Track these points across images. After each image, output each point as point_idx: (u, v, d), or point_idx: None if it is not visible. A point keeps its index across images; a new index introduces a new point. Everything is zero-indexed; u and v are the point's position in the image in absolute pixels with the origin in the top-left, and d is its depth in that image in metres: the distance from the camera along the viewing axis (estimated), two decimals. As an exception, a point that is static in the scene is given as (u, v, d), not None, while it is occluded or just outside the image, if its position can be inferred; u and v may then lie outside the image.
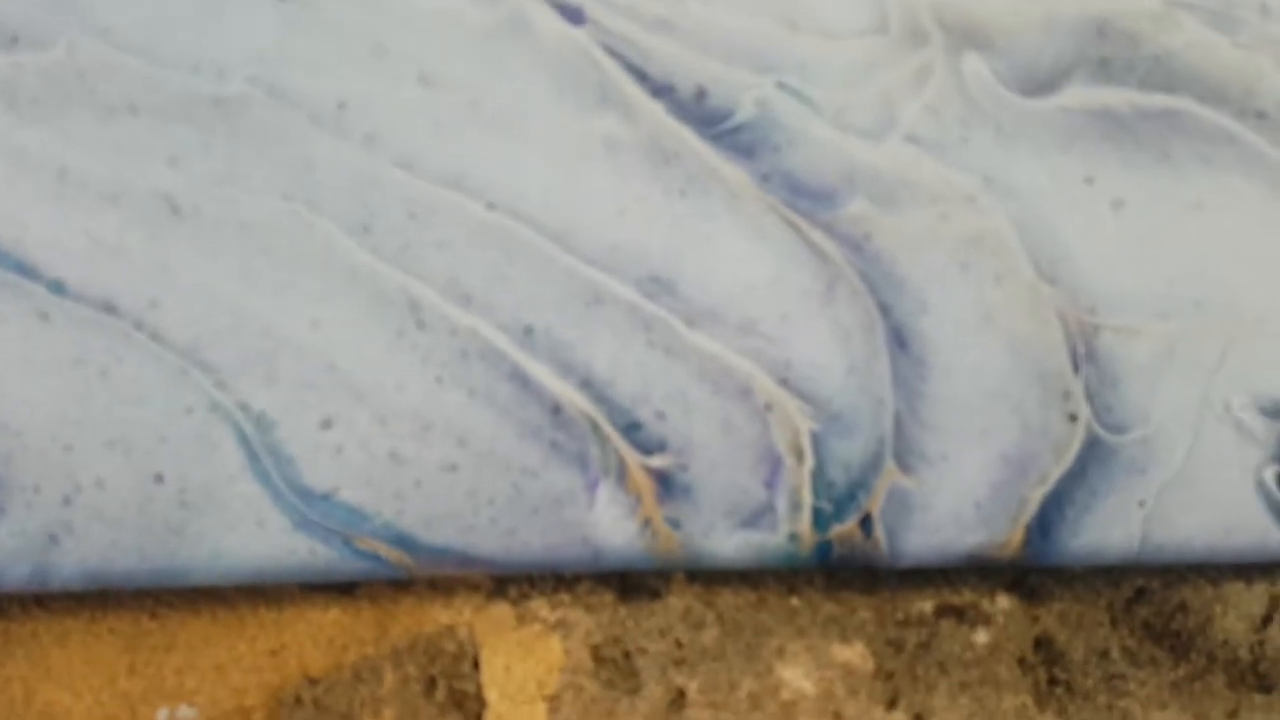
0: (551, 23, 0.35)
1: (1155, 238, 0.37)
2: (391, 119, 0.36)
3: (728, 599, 0.39)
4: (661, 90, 0.36)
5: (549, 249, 0.37)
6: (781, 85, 0.36)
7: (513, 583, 0.40)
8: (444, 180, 0.36)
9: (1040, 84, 0.36)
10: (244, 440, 0.37)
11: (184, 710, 0.39)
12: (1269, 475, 0.38)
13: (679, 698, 0.39)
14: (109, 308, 0.36)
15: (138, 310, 0.36)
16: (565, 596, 0.39)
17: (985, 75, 0.36)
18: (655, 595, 0.39)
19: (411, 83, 0.35)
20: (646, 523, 0.39)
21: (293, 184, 0.36)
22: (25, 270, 0.36)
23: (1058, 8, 0.35)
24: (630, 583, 0.40)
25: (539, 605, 0.39)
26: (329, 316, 0.37)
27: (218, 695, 0.37)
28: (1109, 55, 0.36)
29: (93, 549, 0.38)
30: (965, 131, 0.36)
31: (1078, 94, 0.36)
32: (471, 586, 0.39)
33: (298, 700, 0.37)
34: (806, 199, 0.36)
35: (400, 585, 0.40)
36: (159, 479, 0.38)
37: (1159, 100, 0.36)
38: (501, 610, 0.39)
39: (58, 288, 0.36)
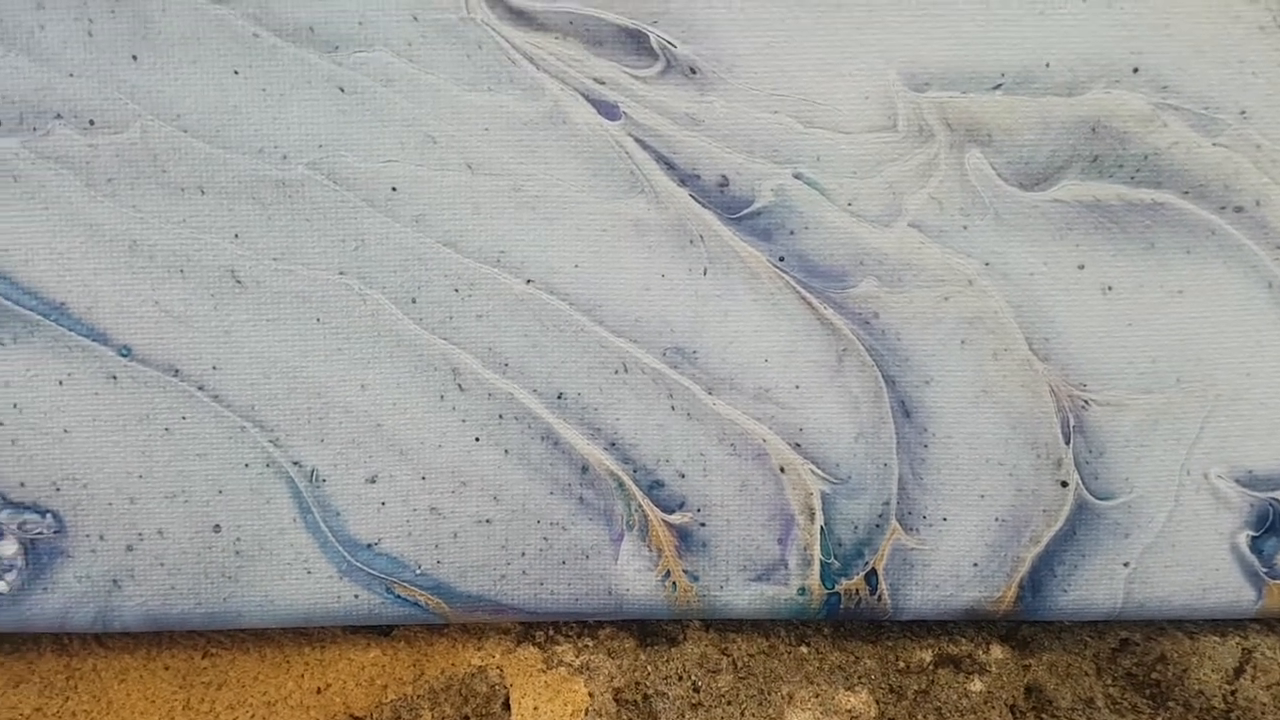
0: (588, 116, 0.37)
1: (1141, 320, 0.38)
2: (439, 201, 0.37)
3: (741, 647, 0.40)
4: (688, 179, 0.38)
5: (580, 321, 0.39)
6: (798, 175, 0.37)
7: (539, 628, 0.41)
8: (485, 258, 0.38)
9: (1036, 178, 0.37)
10: (296, 494, 0.39)
11: (232, 743, 0.40)
12: (1242, 540, 0.40)
13: (693, 737, 0.41)
14: (174, 370, 0.38)
15: (200, 373, 0.38)
16: (589, 642, 0.41)
17: (986, 169, 0.37)
18: (673, 642, 0.41)
19: (458, 169, 0.37)
20: (666, 575, 0.40)
21: (347, 259, 0.38)
22: (97, 335, 0.38)
23: (1053, 109, 0.37)
24: (649, 629, 0.41)
25: (565, 650, 0.41)
26: (376, 380, 0.38)
27: (267, 731, 0.39)
28: (1100, 153, 0.37)
29: (153, 593, 0.39)
30: (966, 220, 0.38)
31: (1071, 187, 0.38)
32: (501, 631, 0.41)
33: (341, 737, 0.39)
34: (819, 278, 0.38)
35: (434, 629, 0.41)
36: (216, 529, 0.39)
37: (1146, 195, 0.38)
38: (529, 654, 0.41)
39: (126, 352, 0.38)
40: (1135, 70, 0.37)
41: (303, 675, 0.40)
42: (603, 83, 0.36)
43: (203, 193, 0.36)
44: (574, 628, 0.41)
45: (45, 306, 0.37)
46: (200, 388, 0.37)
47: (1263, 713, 0.40)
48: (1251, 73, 0.37)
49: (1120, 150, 0.37)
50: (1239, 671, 0.41)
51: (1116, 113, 0.37)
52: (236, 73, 0.35)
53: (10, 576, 0.39)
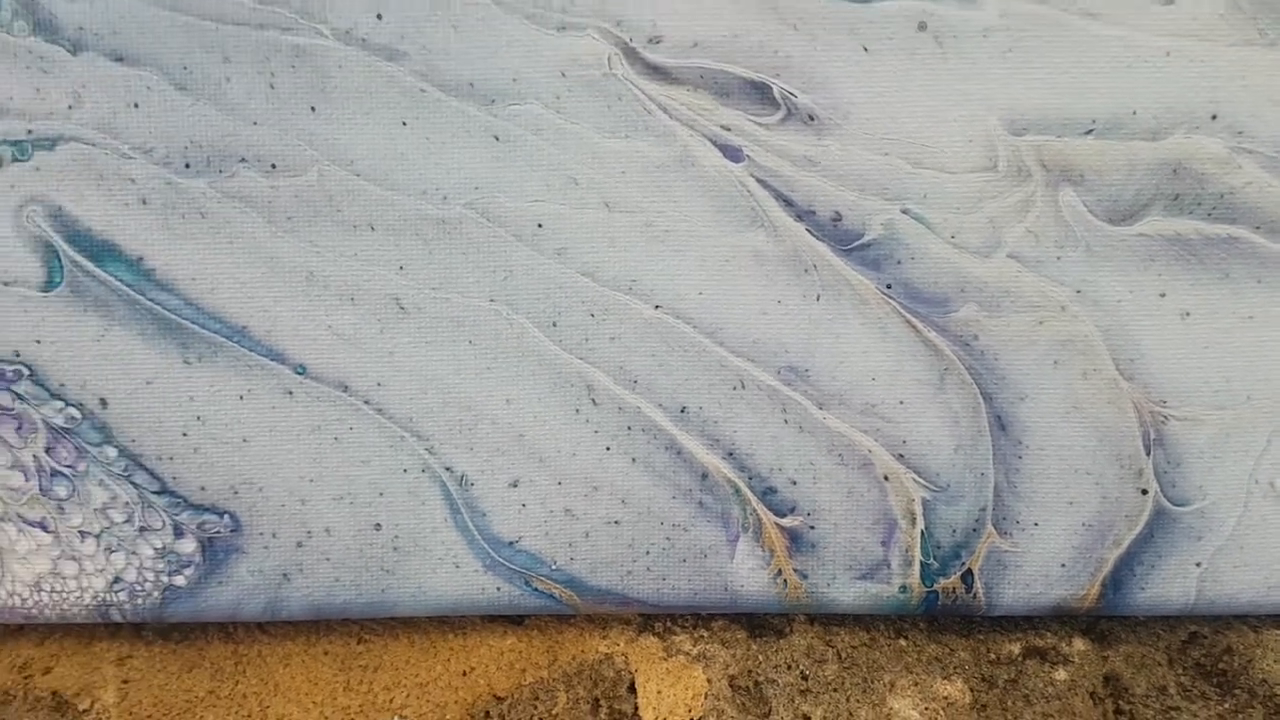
0: (714, 159, 0.40)
1: (1216, 343, 0.41)
2: (579, 236, 0.41)
3: (844, 639, 0.44)
4: (804, 214, 0.41)
5: (703, 342, 0.42)
6: (905, 211, 0.41)
7: (658, 619, 0.45)
8: (619, 286, 0.42)
9: (1123, 214, 0.41)
10: (447, 496, 0.43)
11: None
12: None
13: (799, 720, 0.44)
14: (343, 386, 0.42)
15: (366, 389, 0.42)
16: (704, 633, 0.44)
17: (1078, 206, 0.41)
18: (780, 634, 0.44)
19: (596, 207, 0.41)
20: (778, 573, 0.44)
21: (496, 288, 0.41)
22: (276, 355, 0.41)
23: (1139, 152, 0.40)
24: (757, 622, 0.45)
25: (682, 640, 0.44)
26: (520, 395, 0.42)
27: (422, 710, 0.42)
28: (1181, 191, 0.41)
29: (318, 585, 0.43)
30: (1060, 251, 0.41)
31: (1154, 223, 0.41)
32: (624, 621, 0.45)
33: (487, 715, 0.43)
34: (923, 304, 0.42)
35: (564, 619, 0.45)
36: (377, 527, 0.43)
37: (1222, 229, 0.41)
38: (650, 643, 0.44)
39: (302, 370, 0.42)
40: (1214, 117, 0.40)
41: (449, 659, 0.44)
42: (728, 129, 0.40)
43: (372, 229, 0.40)
44: (689, 619, 0.44)
45: (228, 330, 0.41)
46: (366, 401, 0.41)
47: None
48: None
49: (1199, 189, 0.41)
50: None
51: (1196, 155, 0.40)
52: (404, 123, 0.39)
53: (188, 572, 0.43)
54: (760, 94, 0.40)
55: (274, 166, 0.40)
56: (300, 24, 0.38)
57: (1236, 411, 0.42)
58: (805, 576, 0.43)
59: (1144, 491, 0.42)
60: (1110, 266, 0.41)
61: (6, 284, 0.40)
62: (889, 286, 0.41)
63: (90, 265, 0.40)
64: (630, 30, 0.39)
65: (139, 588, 0.42)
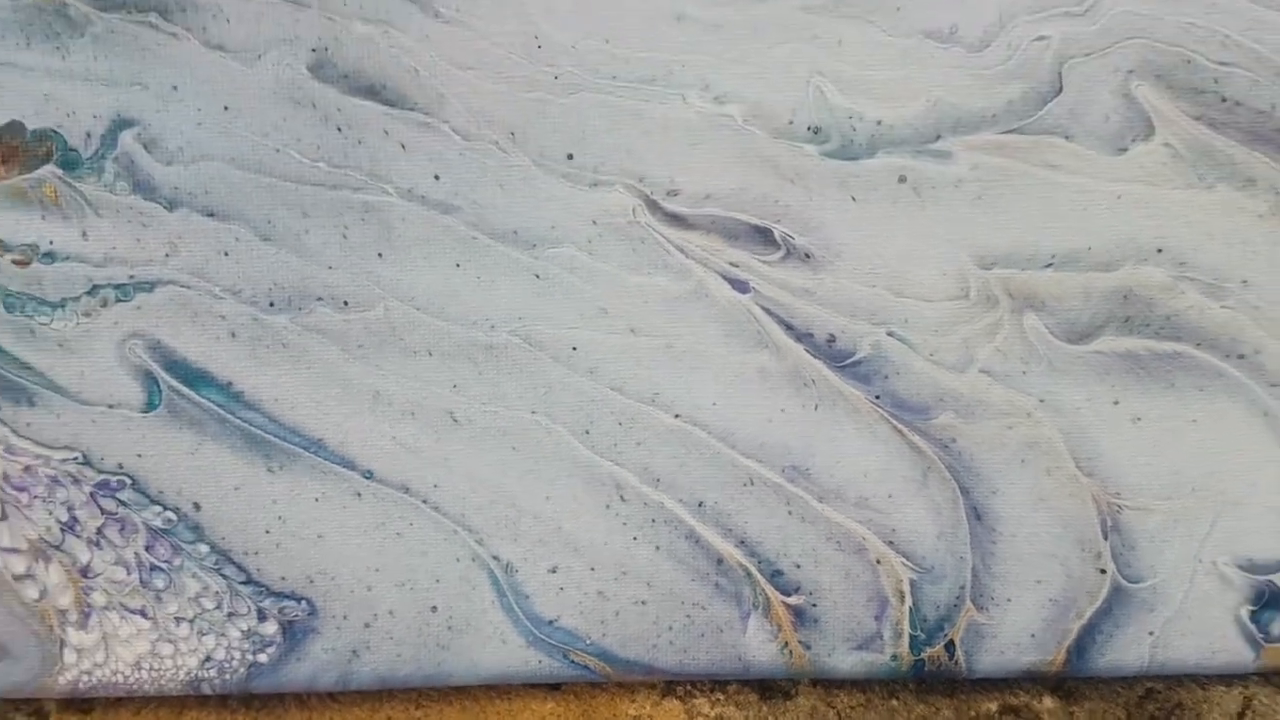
0: (725, 291, 0.46)
1: (1164, 443, 0.47)
2: (608, 357, 0.47)
3: (843, 700, 0.50)
4: (802, 336, 0.47)
5: (717, 446, 0.48)
6: (890, 333, 0.47)
7: (680, 685, 0.51)
8: (643, 399, 0.47)
9: (1080, 334, 0.47)
10: (495, 582, 0.49)
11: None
12: (1243, 612, 0.49)
13: (803, 770, 0.50)
14: (405, 488, 0.48)
15: (425, 490, 0.48)
16: (720, 696, 0.50)
17: (1040, 328, 0.47)
18: (788, 696, 0.50)
19: (623, 332, 0.47)
20: (785, 645, 0.49)
21: (537, 402, 0.47)
22: (346, 463, 0.47)
23: (1094, 282, 0.46)
24: (768, 686, 0.50)
25: (701, 703, 0.50)
26: (558, 493, 0.48)
27: (476, 770, 0.48)
28: (1131, 314, 0.46)
29: (383, 661, 0.49)
30: (1025, 367, 0.47)
31: (1108, 341, 0.47)
32: (649, 687, 0.50)
33: (532, 773, 0.48)
34: (907, 412, 0.47)
35: (597, 685, 0.51)
36: (434, 609, 0.49)
37: (1168, 346, 0.47)
38: (673, 705, 0.50)
39: (369, 474, 0.48)
40: (1159, 251, 0.46)
41: None
42: (736, 266, 0.46)
43: (430, 354, 0.46)
44: (707, 685, 0.50)
45: (306, 442, 0.46)
46: (424, 501, 0.47)
47: (1246, 711, 0.49)
48: (1252, 251, 0.46)
49: (1147, 312, 0.47)
50: (1241, 715, 0.50)
51: (1144, 284, 0.46)
52: (458, 265, 0.45)
53: (270, 650, 0.48)
54: (763, 236, 0.46)
55: (346, 303, 0.46)
56: (369, 184, 0.44)
57: (1182, 502, 0.48)
58: (809, 647, 0.49)
59: (1102, 571, 0.48)
60: (1069, 379, 0.47)
61: (111, 406, 0.46)
62: (877, 397, 0.47)
63: (185, 389, 0.45)
64: (651, 185, 0.45)
65: (227, 665, 0.48)
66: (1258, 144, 0.45)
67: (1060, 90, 0.44)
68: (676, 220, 0.45)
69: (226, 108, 0.43)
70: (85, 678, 0.48)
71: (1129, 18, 0.44)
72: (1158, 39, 0.44)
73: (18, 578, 0.47)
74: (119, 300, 0.45)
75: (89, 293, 0.45)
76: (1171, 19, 0.44)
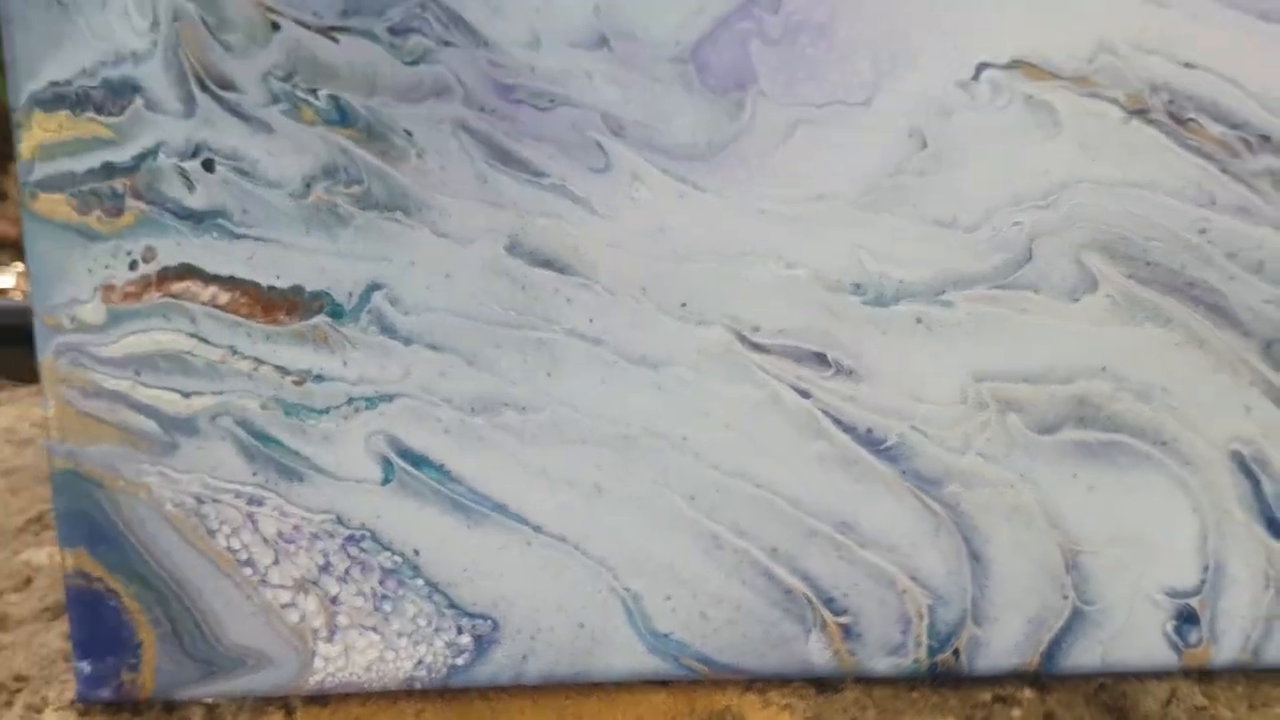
0: (793, 397, 0.63)
1: (1110, 505, 0.64)
2: (709, 445, 0.64)
3: (878, 692, 0.67)
4: (849, 429, 0.64)
5: (787, 508, 0.65)
6: (913, 428, 0.64)
7: (757, 682, 0.67)
8: (733, 474, 0.64)
9: (1048, 429, 0.63)
10: (626, 607, 0.65)
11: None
12: (1169, 627, 0.66)
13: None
14: (563, 539, 0.65)
15: (577, 540, 0.65)
16: (787, 690, 0.67)
17: (1019, 424, 0.64)
18: (837, 690, 0.67)
19: (720, 428, 0.64)
20: (836, 652, 0.66)
21: (658, 477, 0.64)
22: (521, 520, 0.64)
23: (1056, 392, 0.63)
24: (823, 683, 0.67)
25: (773, 695, 0.67)
26: (672, 543, 0.65)
27: (614, 742, 0.65)
28: (1084, 414, 0.63)
29: (546, 664, 0.66)
30: (1008, 452, 0.64)
31: (1068, 433, 0.63)
32: (735, 684, 0.67)
33: (654, 745, 0.65)
34: (926, 483, 0.64)
35: (696, 683, 0.68)
36: (581, 626, 0.66)
37: (1111, 436, 0.63)
38: (752, 698, 0.67)
39: (537, 529, 0.65)
40: (1103, 369, 0.63)
41: (625, 708, 0.66)
42: (801, 379, 0.63)
43: (583, 444, 0.63)
44: (778, 682, 0.67)
45: (493, 505, 0.63)
46: (576, 548, 0.64)
47: (1172, 699, 0.66)
48: (1170, 368, 0.63)
49: (1096, 413, 0.63)
50: (1168, 701, 0.67)
51: (1093, 393, 0.63)
52: (603, 381, 0.62)
53: (464, 656, 0.65)
54: (820, 359, 0.63)
55: (524, 409, 0.63)
56: (543, 325, 0.61)
57: (1124, 548, 0.65)
58: (854, 654, 0.66)
59: (1065, 598, 0.65)
60: (1041, 460, 0.64)
61: (358, 481, 0.63)
62: (903, 473, 0.64)
63: (411, 469, 0.63)
64: (741, 324, 0.62)
65: (433, 667, 0.65)
66: (1172, 293, 0.62)
67: (1030, 259, 0.61)
68: (758, 348, 0.63)
69: (448, 275, 0.60)
70: (329, 679, 0.65)
71: (1082, 208, 0.61)
72: (1102, 223, 0.61)
73: (283, 606, 0.64)
74: (367, 408, 0.62)
75: (346, 403, 0.62)
76: (1113, 209, 0.61)
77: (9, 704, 0.66)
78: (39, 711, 0.65)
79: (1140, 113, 0.59)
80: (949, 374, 0.61)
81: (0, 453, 0.82)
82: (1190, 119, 0.59)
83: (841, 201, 0.59)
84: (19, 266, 1.39)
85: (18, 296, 1.34)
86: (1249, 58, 0.59)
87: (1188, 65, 0.59)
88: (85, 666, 0.63)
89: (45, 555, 0.73)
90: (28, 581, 0.73)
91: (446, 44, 0.57)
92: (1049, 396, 0.61)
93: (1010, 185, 0.59)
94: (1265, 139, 0.60)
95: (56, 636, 0.70)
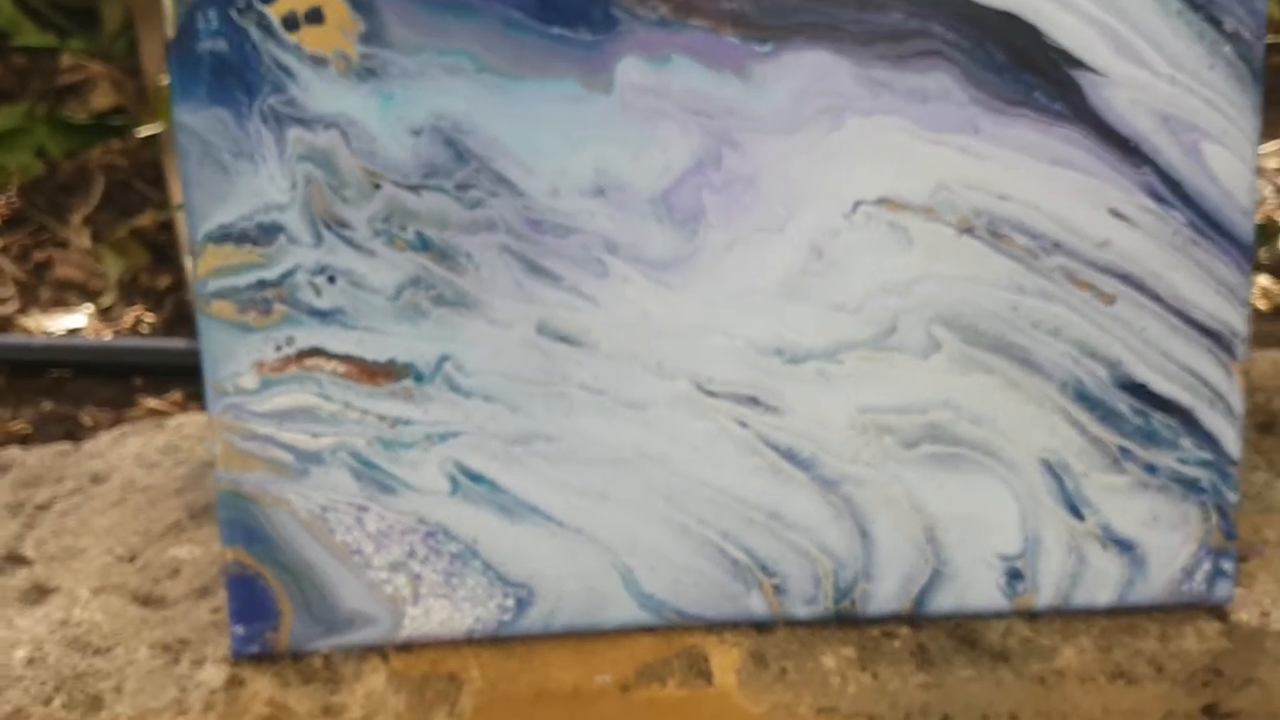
0: (736, 428, 0.89)
1: (958, 498, 0.91)
2: (681, 463, 0.89)
3: (801, 632, 0.92)
4: (775, 448, 0.89)
5: (733, 504, 0.90)
6: (819, 447, 0.89)
7: (716, 626, 0.93)
8: (696, 482, 0.90)
9: (911, 445, 0.89)
10: (623, 577, 0.91)
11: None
12: (1002, 582, 0.92)
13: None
14: (578, 530, 0.89)
15: (588, 529, 0.89)
16: (737, 631, 0.92)
17: (891, 443, 0.89)
18: (771, 631, 0.93)
19: (688, 450, 0.89)
20: (770, 604, 0.92)
21: (645, 486, 0.89)
22: (547, 517, 0.89)
23: (916, 419, 0.89)
24: (760, 625, 0.93)
25: (728, 635, 0.92)
26: (649, 530, 0.90)
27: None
28: (936, 435, 0.89)
29: (567, 619, 0.90)
30: (885, 461, 0.89)
31: (926, 448, 0.89)
32: (701, 628, 0.93)
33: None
34: (829, 485, 0.89)
35: (673, 628, 0.93)
36: (592, 590, 0.89)
37: (955, 450, 0.89)
38: (713, 638, 0.92)
39: (560, 524, 0.89)
40: (947, 403, 0.89)
41: (624, 648, 0.90)
42: (741, 415, 0.88)
43: (586, 463, 0.89)
44: (730, 626, 0.92)
45: (525, 507, 0.87)
46: (580, 533, 0.90)
47: (1008, 632, 0.92)
48: (993, 403, 0.89)
49: (943, 434, 0.89)
50: (1005, 634, 0.93)
51: (941, 421, 0.89)
52: (596, 420, 0.88)
53: (509, 614, 0.88)
54: (754, 401, 0.88)
55: (550, 440, 0.88)
56: (562, 382, 0.86)
57: (968, 527, 0.91)
58: (782, 605, 0.91)
59: (927, 561, 0.91)
60: (907, 467, 0.90)
61: (434, 492, 0.87)
62: (813, 478, 0.90)
63: (471, 483, 0.87)
64: (700, 378, 0.87)
65: (487, 621, 0.90)
66: (994, 352, 0.86)
67: (895, 330, 0.85)
68: (712, 394, 0.84)
69: (496, 350, 0.85)
70: (414, 633, 0.88)
71: (930, 295, 0.86)
72: (944, 305, 0.86)
73: (382, 581, 0.89)
74: (440, 442, 0.85)
75: (425, 439, 0.84)
76: (951, 295, 0.86)
77: (176, 660, 0.91)
78: (200, 665, 0.90)
79: (968, 231, 0.86)
80: (842, 409, 0.86)
81: (135, 474, 1.06)
82: (1004, 234, 0.86)
83: (767, 295, 0.84)
84: (89, 307, 1.62)
85: (91, 334, 1.57)
86: (1043, 191, 0.85)
87: (1001, 197, 0.85)
88: (240, 629, 0.88)
89: (186, 551, 0.97)
90: (176, 571, 0.97)
91: (494, 195, 0.83)
92: (910, 423, 0.86)
93: (880, 281, 0.85)
94: (1056, 245, 0.86)
95: (205, 611, 0.94)
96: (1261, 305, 1.93)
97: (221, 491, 0.84)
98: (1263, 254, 2.00)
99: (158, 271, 1.75)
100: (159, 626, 0.89)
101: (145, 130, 1.68)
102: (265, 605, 0.86)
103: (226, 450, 0.83)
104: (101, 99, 2.01)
